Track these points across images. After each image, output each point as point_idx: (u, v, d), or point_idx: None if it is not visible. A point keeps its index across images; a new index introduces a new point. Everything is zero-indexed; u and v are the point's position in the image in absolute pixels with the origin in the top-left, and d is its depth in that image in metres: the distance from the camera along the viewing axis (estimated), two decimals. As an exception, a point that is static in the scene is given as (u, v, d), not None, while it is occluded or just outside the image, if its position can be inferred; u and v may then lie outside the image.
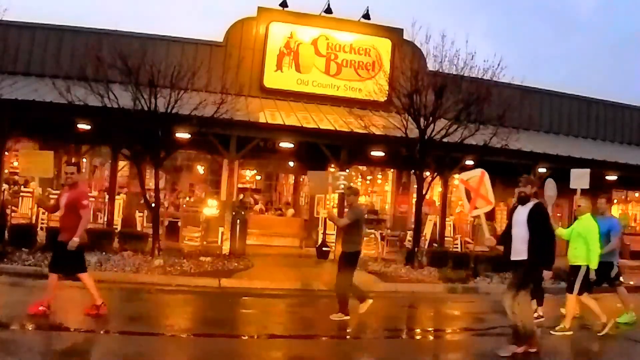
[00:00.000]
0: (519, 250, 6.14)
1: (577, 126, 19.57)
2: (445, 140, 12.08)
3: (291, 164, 17.17)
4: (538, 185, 6.37)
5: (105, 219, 13.10)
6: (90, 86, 10.76)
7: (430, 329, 8.15)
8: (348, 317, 7.37)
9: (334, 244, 13.50)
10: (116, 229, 12.66)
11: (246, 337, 6.60)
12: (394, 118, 12.63)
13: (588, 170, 9.35)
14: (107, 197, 13.31)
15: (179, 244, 12.66)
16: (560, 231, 7.90)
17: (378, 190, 18.25)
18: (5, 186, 13.17)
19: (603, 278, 8.02)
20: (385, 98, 14.19)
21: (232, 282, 9.77)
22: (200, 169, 17.43)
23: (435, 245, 14.05)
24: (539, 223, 6.11)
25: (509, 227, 6.41)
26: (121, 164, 14.16)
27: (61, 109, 11.52)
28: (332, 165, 15.60)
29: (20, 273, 9.03)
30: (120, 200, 13.88)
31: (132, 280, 9.27)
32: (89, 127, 12.76)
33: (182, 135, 12.41)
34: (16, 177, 15.75)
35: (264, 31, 16.31)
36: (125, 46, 11.49)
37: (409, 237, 13.89)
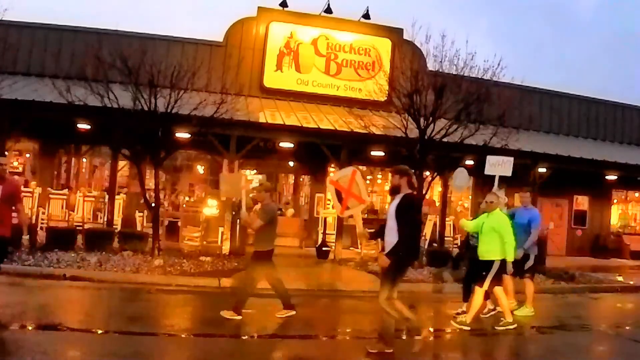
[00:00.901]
0: (388, 243, 5.98)
1: (577, 126, 19.58)
2: (445, 140, 12.08)
3: (291, 164, 17.16)
4: (410, 175, 6.09)
5: (105, 219, 13.10)
6: (90, 86, 10.76)
7: (430, 329, 8.14)
8: (240, 318, 6.99)
9: (334, 244, 13.51)
10: (116, 229, 12.66)
11: (246, 337, 6.60)
12: (394, 118, 12.63)
13: (511, 158, 9.22)
14: (107, 197, 13.32)
15: (179, 244, 12.65)
16: (465, 223, 7.83)
17: (378, 190, 18.23)
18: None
19: (517, 269, 7.99)
20: (385, 98, 14.19)
21: (232, 282, 9.76)
22: (200, 169, 17.44)
23: (435, 245, 14.05)
24: (405, 215, 5.92)
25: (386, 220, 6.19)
26: (121, 164, 14.17)
27: (61, 109, 11.52)
28: (332, 165, 15.62)
29: (20, 273, 9.02)
30: (120, 200, 13.89)
31: (132, 280, 9.26)
32: (89, 127, 12.77)
33: (182, 135, 12.42)
34: (16, 177, 15.75)
35: (264, 31, 16.31)
36: (125, 46, 11.49)
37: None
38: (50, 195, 13.31)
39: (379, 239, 6.34)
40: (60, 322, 6.33)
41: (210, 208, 14.67)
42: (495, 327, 7.36)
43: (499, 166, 9.04)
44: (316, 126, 13.69)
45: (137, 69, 10.84)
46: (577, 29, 69.36)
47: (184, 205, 16.04)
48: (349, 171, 6.60)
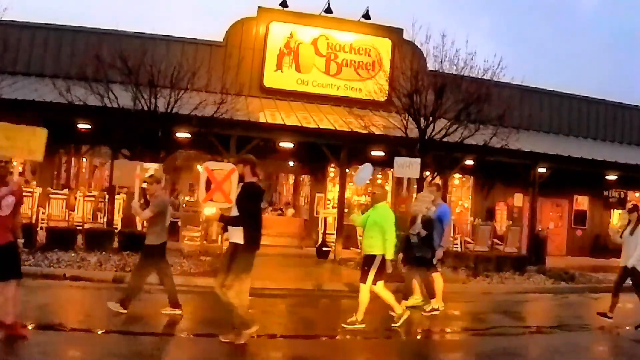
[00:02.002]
0: (231, 232, 5.95)
1: (577, 126, 19.57)
2: (445, 140, 12.08)
3: (291, 164, 17.17)
4: (253, 163, 6.04)
5: (105, 219, 13.09)
6: (90, 86, 10.77)
7: (430, 328, 8.14)
8: (125, 312, 6.72)
9: (334, 244, 13.51)
10: (116, 229, 12.64)
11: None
12: (394, 118, 12.63)
13: (418, 160, 9.25)
14: (107, 197, 13.31)
15: (179, 244, 12.64)
16: (354, 218, 7.65)
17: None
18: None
19: (427, 264, 8.07)
20: (385, 98, 14.20)
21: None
22: (200, 168, 17.43)
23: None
24: (246, 204, 5.88)
25: None
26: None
27: (61, 109, 11.52)
28: (332, 165, 15.62)
29: (20, 273, 9.01)
30: (120, 200, 13.87)
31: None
32: (89, 127, 12.76)
33: (182, 135, 12.42)
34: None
35: (264, 31, 16.31)
36: (125, 46, 11.51)
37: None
38: (50, 195, 13.29)
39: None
40: (60, 322, 6.33)
41: (210, 208, 14.65)
42: (392, 325, 7.13)
43: (406, 168, 9.07)
44: (316, 126, 13.69)
45: (137, 69, 10.85)
46: (577, 29, 69.41)
47: (184, 205, 16.02)
48: (228, 167, 6.53)
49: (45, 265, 9.43)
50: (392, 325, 7.16)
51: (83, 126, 12.83)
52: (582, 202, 18.88)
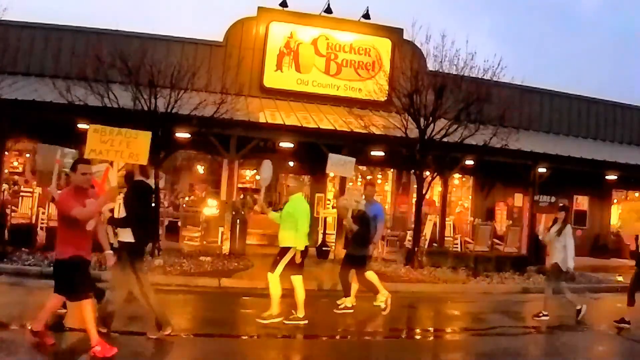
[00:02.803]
0: (120, 232, 5.87)
1: (577, 126, 19.57)
2: (445, 140, 12.08)
3: (291, 164, 17.16)
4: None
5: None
6: (90, 86, 10.76)
7: (430, 329, 8.15)
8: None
9: (334, 244, 13.51)
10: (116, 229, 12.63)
11: (246, 337, 6.60)
12: (394, 118, 12.63)
13: (352, 159, 9.03)
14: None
15: (179, 244, 12.66)
16: (273, 215, 7.53)
17: (378, 190, 18.23)
18: (5, 186, 13.16)
19: (359, 261, 8.02)
20: (385, 98, 14.20)
21: (232, 282, 9.77)
22: (200, 169, 17.44)
23: (435, 245, 14.05)
24: (133, 202, 5.85)
25: None
26: (121, 164, 14.15)
27: (61, 109, 11.52)
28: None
29: (20, 273, 9.03)
30: (120, 200, 13.86)
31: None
32: (89, 127, 12.72)
33: (182, 135, 12.41)
34: (16, 177, 15.74)
35: (264, 31, 16.31)
36: (125, 46, 11.49)
37: (408, 237, 13.89)
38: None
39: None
40: (60, 322, 6.33)
41: (210, 208, 14.68)
42: (285, 322, 6.96)
43: (340, 166, 8.91)
44: (316, 126, 13.69)
45: (137, 69, 10.84)
46: (578, 29, 69.40)
47: (184, 205, 16.03)
48: (103, 167, 6.40)
49: (45, 265, 9.42)
50: (285, 322, 6.95)
51: (83, 126, 12.80)
52: (582, 202, 18.88)
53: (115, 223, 6.15)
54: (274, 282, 6.96)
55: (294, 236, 6.93)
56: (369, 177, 13.25)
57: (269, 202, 19.24)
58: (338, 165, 8.92)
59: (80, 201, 5.21)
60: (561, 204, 8.99)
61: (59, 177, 7.21)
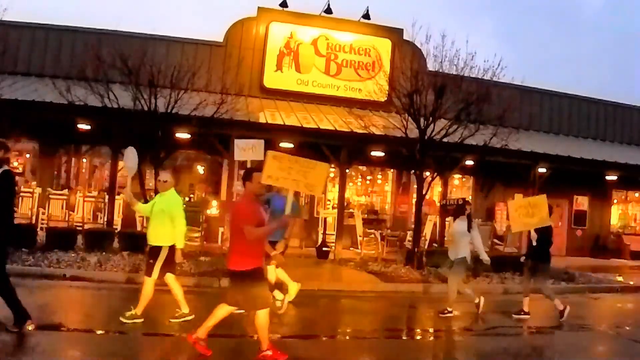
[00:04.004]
0: None
1: (577, 126, 19.59)
2: (445, 140, 12.07)
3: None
4: (6, 148, 5.71)
5: (105, 219, 13.09)
6: (90, 86, 10.76)
7: (430, 329, 8.15)
8: None
9: (334, 244, 13.51)
10: (116, 229, 12.65)
11: (247, 337, 6.59)
12: (394, 118, 12.63)
13: (261, 141, 8.71)
14: (107, 197, 13.31)
15: (179, 244, 12.63)
16: (139, 207, 7.18)
17: (378, 190, 18.25)
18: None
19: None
20: (385, 98, 14.20)
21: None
22: (200, 169, 17.42)
23: (435, 245, 14.05)
24: None
25: None
26: (121, 164, 14.16)
27: (61, 109, 11.52)
28: (333, 165, 15.61)
29: (20, 273, 9.01)
30: (120, 200, 13.88)
31: (132, 280, 9.25)
32: (89, 127, 12.76)
33: (182, 135, 12.41)
34: (16, 177, 15.72)
35: (264, 31, 16.31)
36: (125, 46, 11.50)
37: (409, 237, 13.89)
38: (50, 196, 13.29)
39: None
40: (60, 322, 6.34)
41: (210, 208, 14.67)
42: (171, 320, 6.74)
43: (249, 150, 8.58)
44: (316, 126, 13.69)
45: (137, 69, 10.85)
46: (578, 30, 69.40)
47: (184, 205, 16.01)
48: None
49: (45, 266, 9.43)
50: (171, 319, 6.74)
51: (83, 126, 12.83)
52: (582, 202, 18.89)
53: None
54: (148, 284, 6.58)
55: (170, 233, 6.56)
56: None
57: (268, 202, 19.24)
58: (247, 149, 8.53)
59: (256, 209, 5.39)
60: (464, 199, 8.96)
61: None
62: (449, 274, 8.50)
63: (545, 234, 8.26)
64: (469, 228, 8.30)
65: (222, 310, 5.52)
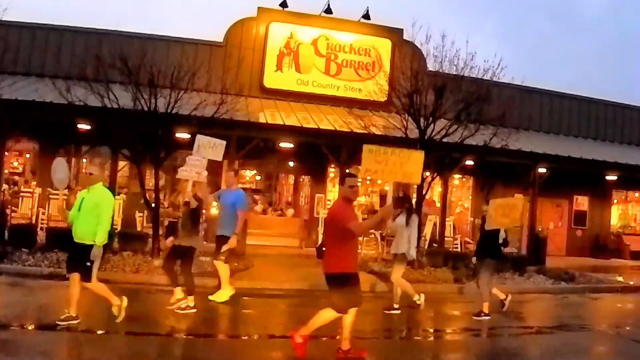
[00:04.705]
0: None
1: (577, 126, 19.59)
2: (445, 140, 12.07)
3: (291, 164, 17.17)
4: None
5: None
6: (90, 86, 10.75)
7: (430, 329, 8.15)
8: None
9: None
10: (116, 229, 12.64)
11: (246, 337, 6.60)
12: (394, 118, 12.63)
13: (223, 142, 8.34)
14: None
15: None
16: (68, 214, 6.57)
17: (378, 191, 18.25)
18: (5, 186, 13.17)
19: (218, 250, 7.85)
20: (385, 98, 14.20)
21: (232, 282, 9.74)
22: (200, 169, 17.43)
23: (435, 245, 14.05)
24: None
25: None
26: (121, 164, 14.16)
27: (61, 109, 11.52)
28: (332, 165, 15.62)
29: (20, 273, 9.03)
30: (120, 200, 13.88)
31: (132, 280, 9.27)
32: (89, 127, 12.76)
33: (182, 135, 12.40)
34: (16, 177, 15.75)
35: (264, 31, 16.31)
36: (125, 46, 11.49)
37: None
38: (50, 196, 13.29)
39: None
40: (60, 322, 6.33)
41: (210, 208, 14.64)
42: (58, 323, 6.11)
43: (210, 149, 8.28)
44: (316, 126, 13.69)
45: (137, 69, 10.83)
46: (578, 30, 69.39)
47: (184, 206, 16.00)
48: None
49: (45, 266, 9.43)
50: (58, 323, 6.15)
51: (83, 126, 12.83)
52: (582, 202, 18.89)
53: None
54: (74, 285, 6.23)
55: (94, 231, 6.18)
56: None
57: (268, 202, 19.28)
58: (207, 147, 8.25)
59: (352, 209, 5.60)
60: (402, 194, 8.90)
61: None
62: (393, 268, 8.42)
63: (496, 233, 8.28)
64: (407, 222, 8.22)
65: (327, 314, 5.64)
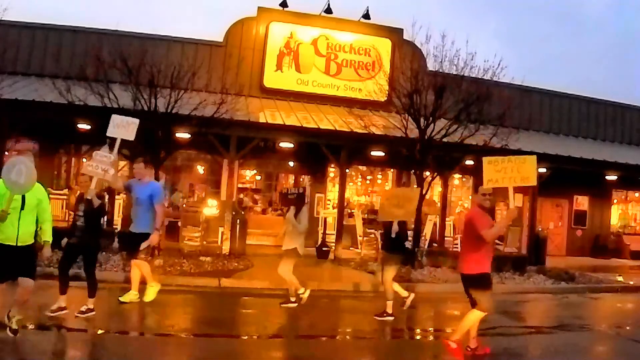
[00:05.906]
0: None
1: (577, 126, 19.58)
2: (445, 140, 12.08)
3: (291, 164, 17.17)
4: None
5: (106, 219, 13.07)
6: (90, 86, 10.76)
7: (430, 329, 8.15)
8: None
9: (334, 244, 13.50)
10: (116, 229, 12.65)
11: (246, 337, 6.60)
12: (394, 118, 12.63)
13: (136, 120, 7.85)
14: (107, 197, 13.27)
15: (179, 244, 12.65)
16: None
17: (378, 190, 18.24)
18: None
19: (133, 248, 7.42)
20: (385, 98, 14.20)
21: (232, 282, 9.77)
22: (200, 169, 17.43)
23: (435, 245, 14.05)
24: None
25: None
26: (121, 164, 14.15)
27: (61, 109, 11.52)
28: (332, 165, 15.62)
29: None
30: (120, 200, 13.87)
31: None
32: (89, 127, 12.76)
33: (182, 135, 12.41)
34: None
35: (264, 31, 16.31)
36: (125, 46, 11.51)
37: (409, 237, 13.88)
38: (50, 196, 13.24)
39: None
40: (60, 322, 6.33)
41: (210, 208, 14.67)
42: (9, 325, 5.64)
43: (123, 128, 7.81)
44: (316, 126, 13.69)
45: (137, 69, 10.85)
46: (578, 30, 69.39)
47: (184, 205, 16.02)
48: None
49: (45, 266, 9.40)
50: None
51: (83, 126, 12.83)
52: (582, 202, 18.89)
53: None
54: (25, 286, 5.79)
55: (33, 230, 5.81)
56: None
57: (268, 202, 19.27)
58: (121, 127, 7.80)
59: (486, 216, 6.03)
60: (298, 189, 8.59)
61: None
62: (281, 263, 8.15)
63: (404, 227, 8.02)
64: (296, 216, 7.93)
65: (475, 315, 5.93)
